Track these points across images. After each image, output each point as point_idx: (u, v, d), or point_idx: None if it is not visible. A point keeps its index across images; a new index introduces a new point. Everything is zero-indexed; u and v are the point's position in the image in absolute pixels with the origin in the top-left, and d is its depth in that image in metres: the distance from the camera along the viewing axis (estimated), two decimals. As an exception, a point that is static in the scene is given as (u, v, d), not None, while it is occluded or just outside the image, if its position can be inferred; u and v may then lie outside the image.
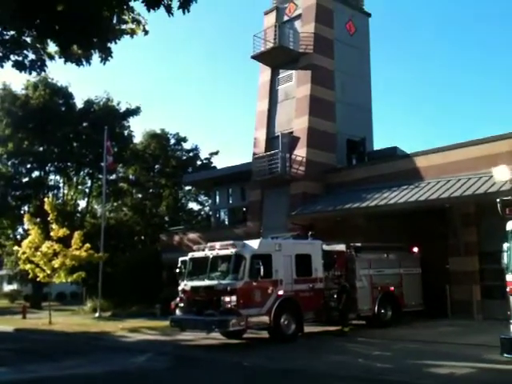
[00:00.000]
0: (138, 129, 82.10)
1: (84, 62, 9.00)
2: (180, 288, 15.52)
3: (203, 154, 46.99)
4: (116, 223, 40.42)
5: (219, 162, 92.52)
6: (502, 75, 75.78)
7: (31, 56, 9.18)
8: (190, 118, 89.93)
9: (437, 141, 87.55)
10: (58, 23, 7.89)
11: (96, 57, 9.02)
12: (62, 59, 8.88)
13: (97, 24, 8.04)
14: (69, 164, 39.29)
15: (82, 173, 40.69)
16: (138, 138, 43.98)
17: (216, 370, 11.30)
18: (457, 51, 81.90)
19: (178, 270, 16.40)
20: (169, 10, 8.03)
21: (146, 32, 9.25)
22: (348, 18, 26.43)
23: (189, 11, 8.08)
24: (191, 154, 46.47)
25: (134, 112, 40.43)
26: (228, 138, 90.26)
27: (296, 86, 24.97)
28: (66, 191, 41.26)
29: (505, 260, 8.99)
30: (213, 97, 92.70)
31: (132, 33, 9.12)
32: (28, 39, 8.90)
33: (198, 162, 46.31)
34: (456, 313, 17.83)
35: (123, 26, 8.95)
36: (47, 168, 39.22)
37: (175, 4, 8.03)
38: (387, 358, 11.74)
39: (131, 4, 8.63)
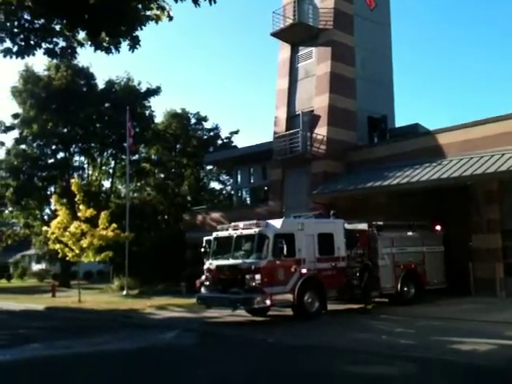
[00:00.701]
0: (159, 109, 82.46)
1: (113, 50, 9.19)
2: (205, 267, 15.87)
3: (224, 133, 47.34)
4: (140, 203, 41.05)
5: (240, 141, 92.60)
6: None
7: (62, 43, 9.43)
8: (210, 98, 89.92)
9: (459, 118, 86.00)
10: (88, 12, 8.09)
11: (124, 44, 9.19)
12: (92, 47, 9.08)
13: (125, 13, 8.20)
14: (92, 145, 39.94)
15: (105, 153, 41.31)
16: (159, 118, 44.40)
17: (242, 346, 11.64)
18: (480, 27, 79.75)
19: (202, 250, 16.71)
20: (196, 1, 8.14)
21: (170, 18, 9.35)
22: (368, -7, 25.98)
23: (215, 2, 8.19)
24: (212, 134, 46.77)
25: (155, 92, 40.72)
26: (248, 117, 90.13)
27: (316, 63, 24.76)
28: (90, 172, 42.01)
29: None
30: (233, 76, 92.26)
31: (157, 19, 9.24)
32: (57, 27, 9.11)
33: (219, 142, 46.59)
34: (479, 290, 17.83)
35: (148, 13, 9.07)
36: (72, 149, 39.94)
37: None
38: (410, 334, 11.92)
39: None
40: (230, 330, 14.04)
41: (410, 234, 17.93)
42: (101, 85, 39.97)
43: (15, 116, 38.55)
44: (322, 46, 24.51)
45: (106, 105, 39.25)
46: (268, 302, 14.03)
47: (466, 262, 18.32)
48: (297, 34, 25.08)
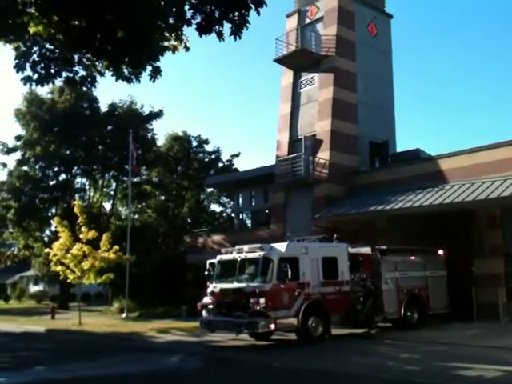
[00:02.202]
0: (161, 132, 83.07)
1: (134, 80, 9.37)
2: (209, 290, 15.88)
3: (225, 156, 47.62)
4: (141, 225, 41.06)
5: (240, 164, 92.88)
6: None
7: (81, 72, 9.63)
8: (211, 121, 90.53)
9: (459, 144, 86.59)
10: (112, 44, 8.28)
11: (145, 74, 9.40)
12: (114, 77, 9.24)
13: (148, 45, 8.43)
14: (94, 167, 40.09)
15: (107, 175, 41.46)
16: (161, 141, 44.75)
17: (248, 371, 11.59)
18: (479, 49, 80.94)
19: (206, 273, 16.75)
20: (220, 35, 8.39)
21: (187, 48, 9.58)
22: (369, 20, 26.51)
23: (240, 38, 8.43)
24: (213, 156, 47.03)
25: (157, 115, 41.16)
26: (249, 140, 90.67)
27: (318, 88, 25.13)
28: (91, 194, 42.08)
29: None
30: (235, 99, 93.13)
31: (174, 49, 9.44)
32: (76, 56, 9.31)
33: (220, 164, 46.84)
34: (482, 315, 17.80)
35: (165, 43, 9.30)
36: (73, 171, 40.10)
37: (226, 30, 8.43)
38: (416, 360, 11.88)
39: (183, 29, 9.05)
40: (234, 354, 13.96)
41: (413, 258, 17.94)
42: (104, 108, 40.39)
43: (18, 138, 38.86)
44: (325, 72, 24.89)
45: (109, 127, 39.61)
46: (272, 326, 13.99)
47: (468, 286, 18.31)
48: (299, 61, 25.48)
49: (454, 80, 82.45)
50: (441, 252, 18.70)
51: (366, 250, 17.26)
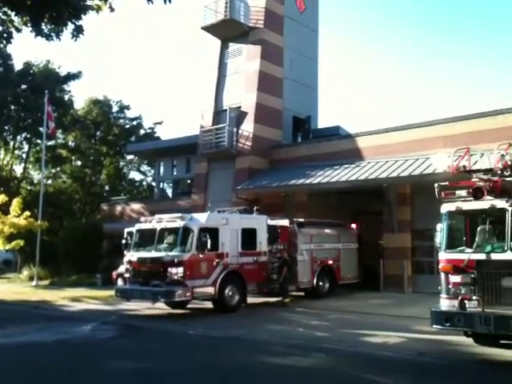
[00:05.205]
0: (80, 95, 79.23)
1: (54, 37, 8.84)
2: (126, 259, 15.66)
3: (147, 124, 46.44)
4: (54, 191, 39.38)
5: (163, 132, 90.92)
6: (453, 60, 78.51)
7: (-3, 28, 8.94)
8: (134, 87, 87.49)
9: (378, 123, 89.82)
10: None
11: (66, 32, 8.89)
12: (32, 33, 8.64)
13: (70, 3, 7.97)
14: (6, 128, 37.74)
15: (19, 137, 39.26)
16: (79, 104, 42.82)
17: (163, 339, 11.61)
18: (403, 31, 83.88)
19: (123, 241, 16.46)
20: None
21: (112, 9, 9.17)
22: (298, -5, 26.66)
23: (170, 2, 8.18)
24: (134, 123, 45.71)
25: (76, 76, 39.35)
26: (173, 108, 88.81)
27: (245, 60, 25.07)
28: (1, 156, 39.66)
29: (438, 239, 9.65)
30: (160, 66, 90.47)
31: (98, 9, 9.01)
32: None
33: (142, 132, 45.69)
34: (388, 286, 18.99)
35: (89, 2, 8.84)
36: (-18, 131, 37.54)
37: None
38: (325, 327, 12.49)
39: None
40: (149, 322, 13.93)
41: (327, 231, 18.68)
42: (18, 66, 37.88)
43: None
44: (252, 44, 24.84)
45: (23, 87, 37.29)
46: (189, 295, 14.11)
47: (377, 259, 19.42)
48: (227, 30, 25.22)
49: (379, 61, 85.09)
50: (353, 226, 19.64)
51: (285, 222, 17.73)
